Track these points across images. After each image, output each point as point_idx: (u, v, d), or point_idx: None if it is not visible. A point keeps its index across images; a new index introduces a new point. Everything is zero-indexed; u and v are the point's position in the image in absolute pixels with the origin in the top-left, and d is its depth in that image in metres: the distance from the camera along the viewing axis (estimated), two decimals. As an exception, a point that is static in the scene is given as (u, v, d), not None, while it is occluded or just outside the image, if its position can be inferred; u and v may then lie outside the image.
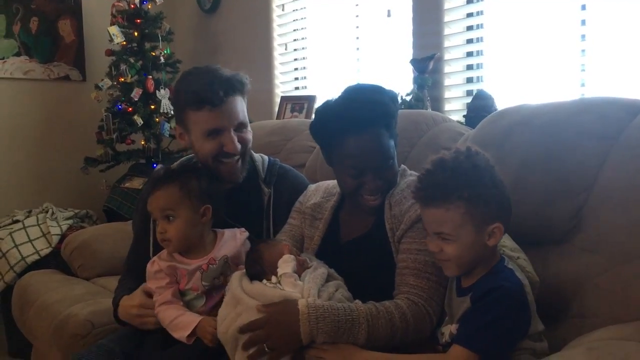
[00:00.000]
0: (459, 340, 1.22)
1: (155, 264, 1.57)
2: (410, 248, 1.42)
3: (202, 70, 1.69)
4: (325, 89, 3.20)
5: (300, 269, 1.41)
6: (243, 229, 1.65)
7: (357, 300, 1.36)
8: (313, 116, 1.62)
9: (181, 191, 1.55)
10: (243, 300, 1.36)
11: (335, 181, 1.61)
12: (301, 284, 1.36)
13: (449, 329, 1.29)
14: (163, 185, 1.57)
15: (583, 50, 2.22)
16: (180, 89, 1.71)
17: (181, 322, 1.49)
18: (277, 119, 3.23)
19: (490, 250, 1.27)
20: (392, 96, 1.52)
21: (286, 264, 1.38)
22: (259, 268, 1.43)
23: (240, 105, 1.69)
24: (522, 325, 1.23)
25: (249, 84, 1.73)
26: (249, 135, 1.72)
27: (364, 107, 1.45)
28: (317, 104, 3.13)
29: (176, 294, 1.55)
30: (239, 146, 1.67)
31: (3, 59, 3.60)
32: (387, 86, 1.55)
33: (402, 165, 1.60)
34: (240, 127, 1.69)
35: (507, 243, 1.39)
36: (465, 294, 1.28)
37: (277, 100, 3.43)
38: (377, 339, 1.29)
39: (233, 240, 1.61)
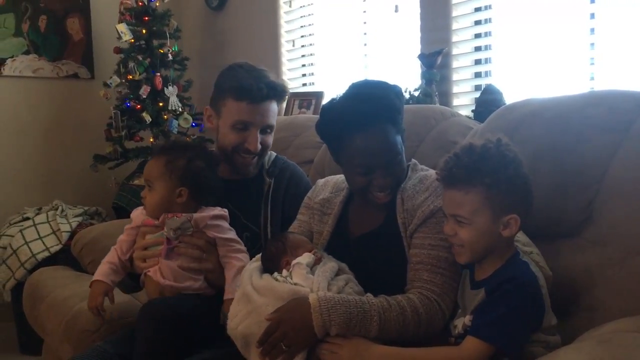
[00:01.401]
0: (473, 332, 1.23)
1: (137, 212, 1.69)
2: (424, 243, 1.41)
3: (253, 68, 1.80)
4: (333, 85, 3.20)
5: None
6: (225, 210, 1.69)
7: (368, 294, 1.36)
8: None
9: (165, 167, 1.62)
10: (252, 298, 1.37)
11: (343, 176, 1.61)
12: (312, 277, 1.37)
13: (462, 321, 1.30)
14: (156, 155, 1.67)
15: (592, 44, 2.21)
16: (226, 76, 1.80)
17: (98, 269, 1.67)
18: (284, 115, 3.23)
19: (504, 242, 1.28)
20: (396, 91, 1.52)
21: (303, 258, 1.41)
22: (280, 245, 1.46)
23: (274, 110, 1.81)
24: (536, 318, 1.24)
25: (287, 93, 1.87)
26: (271, 139, 1.84)
27: (368, 103, 1.45)
28: (325, 100, 3.13)
29: (128, 244, 1.67)
30: (259, 147, 1.77)
31: (12, 57, 3.61)
32: (393, 81, 1.55)
33: (413, 160, 1.60)
34: (267, 129, 1.80)
35: (520, 238, 1.38)
36: (479, 287, 1.28)
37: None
38: (389, 331, 1.30)
39: (206, 210, 1.66)
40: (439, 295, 1.36)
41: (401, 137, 1.50)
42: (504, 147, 1.27)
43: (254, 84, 1.72)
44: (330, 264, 1.41)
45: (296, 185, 1.87)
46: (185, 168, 1.62)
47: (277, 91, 1.78)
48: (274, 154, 1.95)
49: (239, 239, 1.66)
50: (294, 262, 1.40)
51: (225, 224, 1.66)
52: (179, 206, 1.62)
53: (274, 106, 1.80)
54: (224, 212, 1.67)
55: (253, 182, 1.86)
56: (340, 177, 1.66)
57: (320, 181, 1.74)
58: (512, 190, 1.24)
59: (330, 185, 1.68)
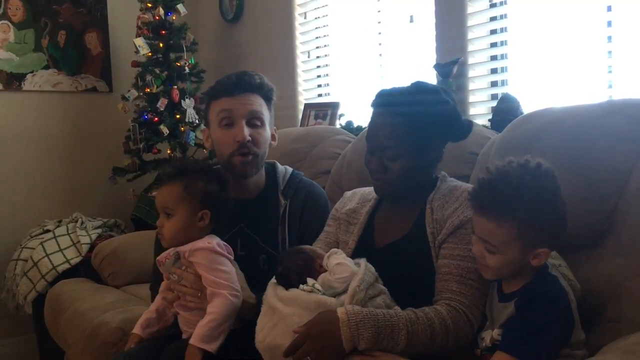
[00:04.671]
0: (503, 348, 1.21)
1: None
2: (453, 254, 1.41)
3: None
4: (349, 96, 3.21)
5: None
6: (213, 242, 1.57)
7: (395, 307, 1.36)
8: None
9: (184, 191, 1.57)
10: (278, 309, 1.36)
11: (371, 187, 1.62)
12: (350, 260, 1.39)
13: (490, 334, 1.29)
14: (170, 181, 1.59)
15: (610, 52, 2.19)
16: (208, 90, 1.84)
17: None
18: (300, 126, 3.25)
19: (532, 266, 1.25)
20: (434, 112, 1.49)
21: (336, 250, 1.44)
22: (303, 256, 1.44)
23: (257, 102, 1.77)
24: (566, 334, 1.22)
25: (272, 91, 1.81)
26: (263, 136, 1.77)
27: (398, 94, 1.53)
28: (341, 110, 3.15)
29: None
30: (248, 137, 1.72)
31: (32, 72, 3.67)
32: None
33: (443, 172, 1.60)
34: (254, 121, 1.75)
35: None
36: (507, 300, 1.27)
37: (301, 107, 3.44)
38: (416, 344, 1.29)
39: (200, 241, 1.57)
40: (468, 307, 1.35)
41: (417, 147, 1.49)
42: (542, 178, 1.22)
43: (227, 80, 1.75)
44: (372, 267, 1.41)
45: (313, 207, 1.82)
46: (205, 190, 1.58)
47: (250, 83, 1.75)
48: (290, 170, 1.90)
49: (225, 277, 1.53)
50: (328, 254, 1.41)
51: (212, 258, 1.54)
52: (199, 230, 1.58)
53: (255, 98, 1.76)
54: (211, 244, 1.55)
55: (267, 203, 1.82)
56: (368, 189, 1.67)
57: (348, 193, 1.74)
58: (545, 226, 1.21)
59: (357, 196, 1.69)
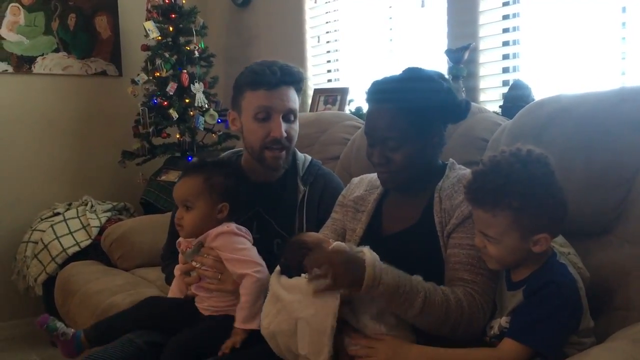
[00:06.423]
0: (511, 334, 1.22)
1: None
2: (462, 243, 1.40)
3: (266, 60, 1.80)
4: (359, 81, 3.19)
5: None
6: (230, 225, 1.65)
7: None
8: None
9: (204, 184, 1.61)
10: (281, 296, 1.37)
11: None
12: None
13: (498, 322, 1.29)
14: (190, 175, 1.64)
15: (623, 38, 2.17)
16: (241, 75, 1.80)
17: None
18: (310, 111, 3.24)
19: (536, 253, 1.25)
20: (429, 96, 1.47)
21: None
22: (305, 251, 1.42)
23: (294, 97, 1.78)
24: (574, 321, 1.22)
25: (305, 82, 1.84)
26: (296, 129, 1.80)
27: (391, 82, 1.50)
28: (350, 96, 3.13)
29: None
30: (284, 133, 1.74)
31: (42, 55, 3.67)
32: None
33: (451, 159, 1.59)
34: (289, 115, 1.77)
35: (557, 239, 1.36)
36: (516, 288, 1.27)
37: (310, 92, 3.42)
38: (430, 314, 1.28)
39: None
40: (481, 294, 1.34)
41: (418, 137, 1.47)
42: (533, 164, 1.22)
43: (267, 70, 1.73)
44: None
45: (331, 196, 1.78)
46: (224, 183, 1.62)
47: (292, 75, 1.76)
48: (309, 158, 1.91)
49: (247, 254, 1.59)
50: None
51: (232, 240, 1.61)
52: (217, 222, 1.62)
53: (292, 92, 1.76)
54: (230, 227, 1.62)
55: (286, 188, 1.83)
56: (375, 175, 1.66)
57: (355, 179, 1.73)
58: (541, 211, 1.21)
59: (365, 183, 1.68)
